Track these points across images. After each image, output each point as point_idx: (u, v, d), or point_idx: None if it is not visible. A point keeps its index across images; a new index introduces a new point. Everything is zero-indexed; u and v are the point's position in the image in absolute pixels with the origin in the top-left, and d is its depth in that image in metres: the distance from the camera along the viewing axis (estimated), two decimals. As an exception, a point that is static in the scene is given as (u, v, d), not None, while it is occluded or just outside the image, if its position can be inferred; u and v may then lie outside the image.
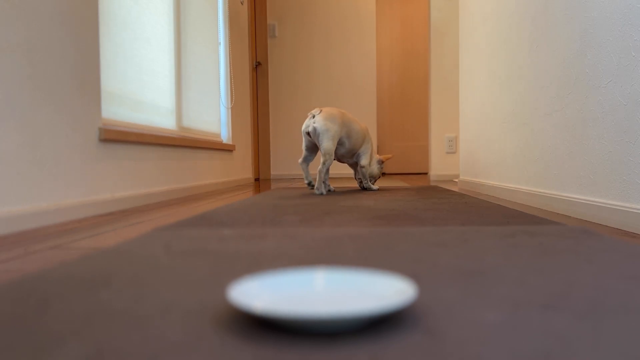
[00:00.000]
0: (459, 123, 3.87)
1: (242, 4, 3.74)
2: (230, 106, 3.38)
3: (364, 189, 2.58)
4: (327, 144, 2.21)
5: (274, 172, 4.75)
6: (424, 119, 5.28)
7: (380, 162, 2.57)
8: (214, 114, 3.15)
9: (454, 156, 4.01)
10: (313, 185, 2.38)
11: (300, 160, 2.34)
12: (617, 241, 0.97)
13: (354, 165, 2.56)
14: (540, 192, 1.73)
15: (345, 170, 4.70)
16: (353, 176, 4.41)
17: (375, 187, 2.60)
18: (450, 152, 4.01)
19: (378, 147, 5.23)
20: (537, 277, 0.68)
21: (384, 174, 5.19)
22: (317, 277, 0.60)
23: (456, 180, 3.20)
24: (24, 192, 1.30)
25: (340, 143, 2.34)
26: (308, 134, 2.27)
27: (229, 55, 3.40)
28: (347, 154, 2.42)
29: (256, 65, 4.63)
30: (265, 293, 0.55)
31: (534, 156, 1.81)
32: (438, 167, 4.01)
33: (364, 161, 2.46)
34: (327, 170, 2.29)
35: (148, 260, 0.83)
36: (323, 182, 2.32)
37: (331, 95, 4.73)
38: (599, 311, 0.53)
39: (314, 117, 2.25)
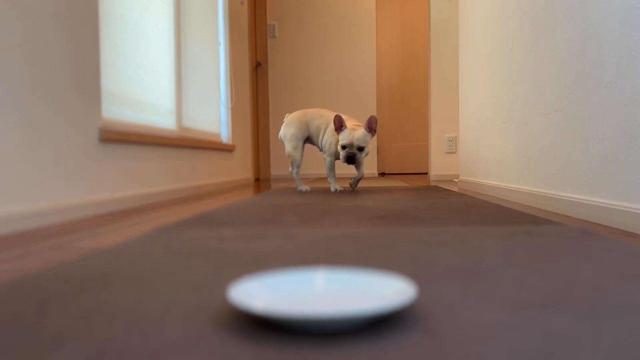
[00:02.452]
0: (459, 123, 3.87)
1: (242, 4, 3.74)
2: (230, 106, 3.38)
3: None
4: (287, 147, 2.41)
5: (274, 172, 4.75)
6: (424, 119, 5.28)
7: (338, 129, 2.21)
8: (214, 114, 3.15)
9: (454, 156, 4.01)
10: (303, 191, 2.47)
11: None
12: (617, 241, 0.97)
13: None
14: (540, 192, 1.73)
15: (346, 170, 4.70)
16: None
17: (333, 186, 2.42)
18: (450, 152, 4.01)
19: (378, 147, 5.23)
20: (537, 277, 0.68)
21: (383, 174, 5.19)
22: (317, 277, 0.60)
23: (456, 180, 3.21)
24: (24, 192, 1.30)
25: (310, 140, 2.46)
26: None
27: (229, 55, 3.40)
28: (322, 148, 2.43)
29: (256, 65, 4.63)
30: (265, 293, 0.55)
31: (534, 156, 1.81)
32: (438, 167, 4.01)
33: (324, 154, 2.40)
34: (330, 168, 2.41)
35: (148, 260, 0.83)
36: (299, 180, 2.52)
37: (331, 95, 4.73)
38: (599, 311, 0.53)
39: None
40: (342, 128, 2.19)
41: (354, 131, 2.16)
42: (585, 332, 0.47)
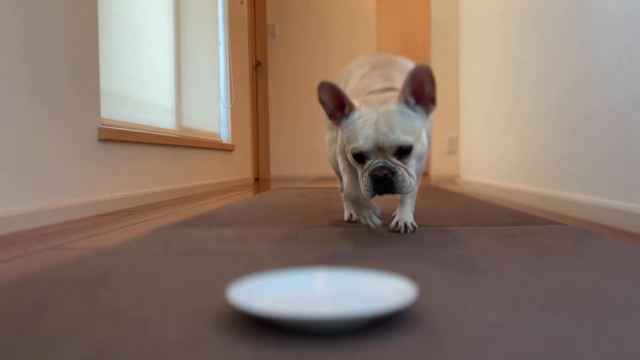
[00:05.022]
0: (459, 123, 3.87)
1: (242, 4, 3.74)
2: (230, 106, 3.38)
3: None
4: None
5: (274, 172, 4.74)
6: (424, 119, 5.27)
7: (337, 115, 1.00)
8: (213, 114, 3.15)
9: (454, 156, 4.01)
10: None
11: None
12: (617, 241, 0.97)
13: None
14: (540, 192, 1.73)
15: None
16: None
17: (347, 212, 1.34)
18: (451, 152, 4.01)
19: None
20: (537, 277, 0.68)
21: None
22: (317, 277, 0.60)
23: (457, 180, 3.21)
24: (24, 192, 1.30)
25: None
26: None
27: (229, 55, 3.40)
28: None
29: (256, 65, 4.63)
30: (265, 293, 0.55)
31: (534, 156, 1.81)
32: (438, 167, 4.01)
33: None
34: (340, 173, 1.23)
35: (148, 260, 0.83)
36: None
37: (331, 95, 4.72)
38: (599, 311, 0.53)
39: None
40: (345, 111, 0.97)
41: (376, 110, 0.95)
42: (585, 333, 0.47)
